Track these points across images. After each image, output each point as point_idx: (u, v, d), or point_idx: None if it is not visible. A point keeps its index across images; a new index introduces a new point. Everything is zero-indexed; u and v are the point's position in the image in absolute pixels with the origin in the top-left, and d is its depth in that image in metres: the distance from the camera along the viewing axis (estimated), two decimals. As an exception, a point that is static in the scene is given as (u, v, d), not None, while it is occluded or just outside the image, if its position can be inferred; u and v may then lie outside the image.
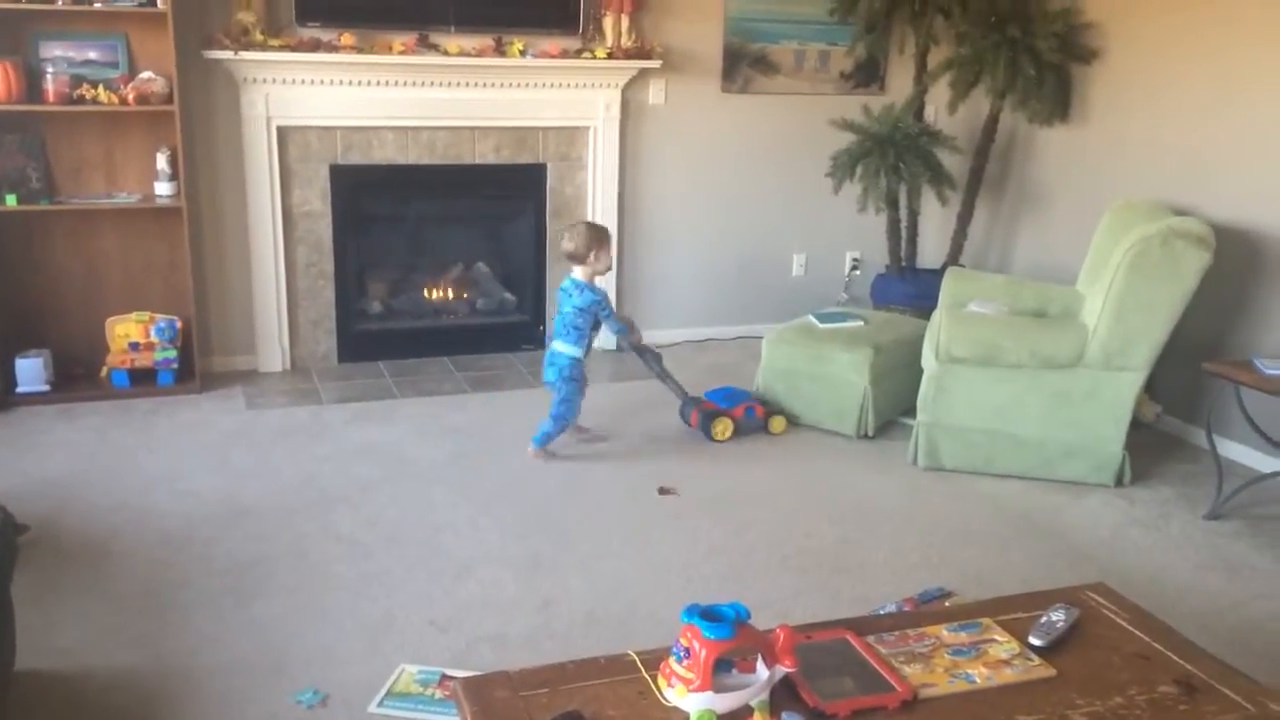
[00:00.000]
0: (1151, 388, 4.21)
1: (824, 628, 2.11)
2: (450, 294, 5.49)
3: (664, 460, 4.03)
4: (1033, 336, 3.84)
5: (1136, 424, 3.95)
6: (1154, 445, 4.26)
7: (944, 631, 2.08)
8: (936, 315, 4.07)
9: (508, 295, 5.52)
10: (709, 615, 1.89)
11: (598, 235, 3.99)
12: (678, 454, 4.11)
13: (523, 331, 5.39)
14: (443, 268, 5.51)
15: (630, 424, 4.42)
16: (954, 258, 5.27)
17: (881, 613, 2.81)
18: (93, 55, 4.37)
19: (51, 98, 4.22)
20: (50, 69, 4.24)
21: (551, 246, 5.28)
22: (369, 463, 3.91)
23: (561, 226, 5.19)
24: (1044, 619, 2.10)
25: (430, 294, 5.46)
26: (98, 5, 4.22)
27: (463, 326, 5.40)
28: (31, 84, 4.22)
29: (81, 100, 4.26)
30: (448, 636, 2.83)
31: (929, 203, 5.20)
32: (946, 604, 2.92)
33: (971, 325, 3.94)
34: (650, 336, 5.46)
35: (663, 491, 3.75)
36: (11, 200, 4.24)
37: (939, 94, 5.19)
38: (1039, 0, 4.95)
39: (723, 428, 4.21)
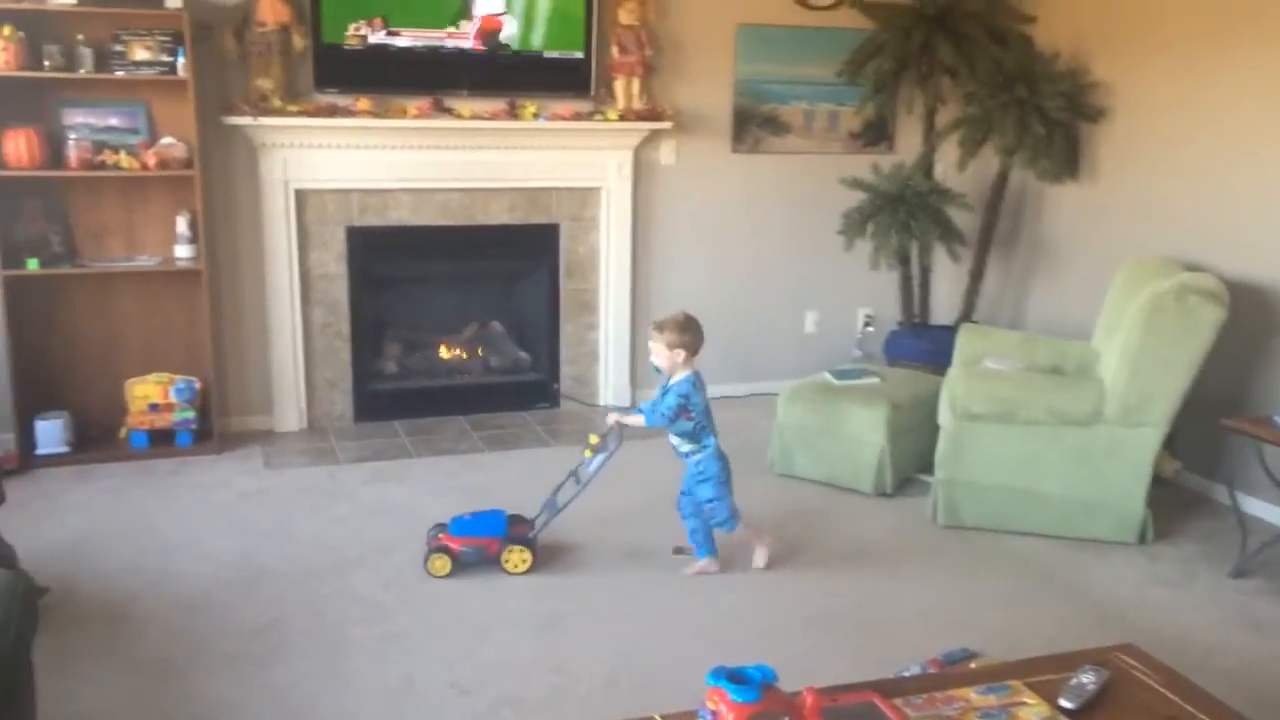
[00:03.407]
0: (1171, 444, 4.19)
1: (850, 690, 2.09)
2: (465, 353, 5.51)
3: (676, 521, 3.99)
4: (1050, 393, 3.84)
5: (1157, 480, 3.92)
6: (1175, 502, 4.23)
7: (973, 694, 2.06)
8: (952, 372, 4.07)
9: (522, 354, 5.55)
10: (735, 678, 1.88)
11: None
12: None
13: (537, 390, 5.41)
14: (457, 327, 5.54)
15: (642, 485, 4.40)
16: (967, 314, 5.29)
17: (906, 674, 2.78)
18: (114, 121, 4.45)
19: (73, 164, 4.28)
20: (72, 135, 4.31)
21: (567, 305, 5.32)
22: (386, 523, 3.90)
23: (575, 286, 5.26)
24: (1074, 681, 2.08)
25: (445, 353, 5.49)
26: (119, 74, 4.30)
27: (477, 385, 5.42)
28: (54, 150, 4.29)
29: (103, 166, 4.33)
30: (469, 700, 2.80)
31: (940, 259, 5.23)
32: (972, 665, 2.88)
33: (988, 382, 3.94)
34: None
35: (678, 552, 3.73)
36: (33, 264, 4.29)
37: (948, 152, 5.24)
38: (1045, 60, 5.01)
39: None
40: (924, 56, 4.98)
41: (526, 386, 5.43)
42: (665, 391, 3.51)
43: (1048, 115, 4.79)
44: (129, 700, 2.77)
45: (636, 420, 3.54)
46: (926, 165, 5.25)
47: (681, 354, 3.46)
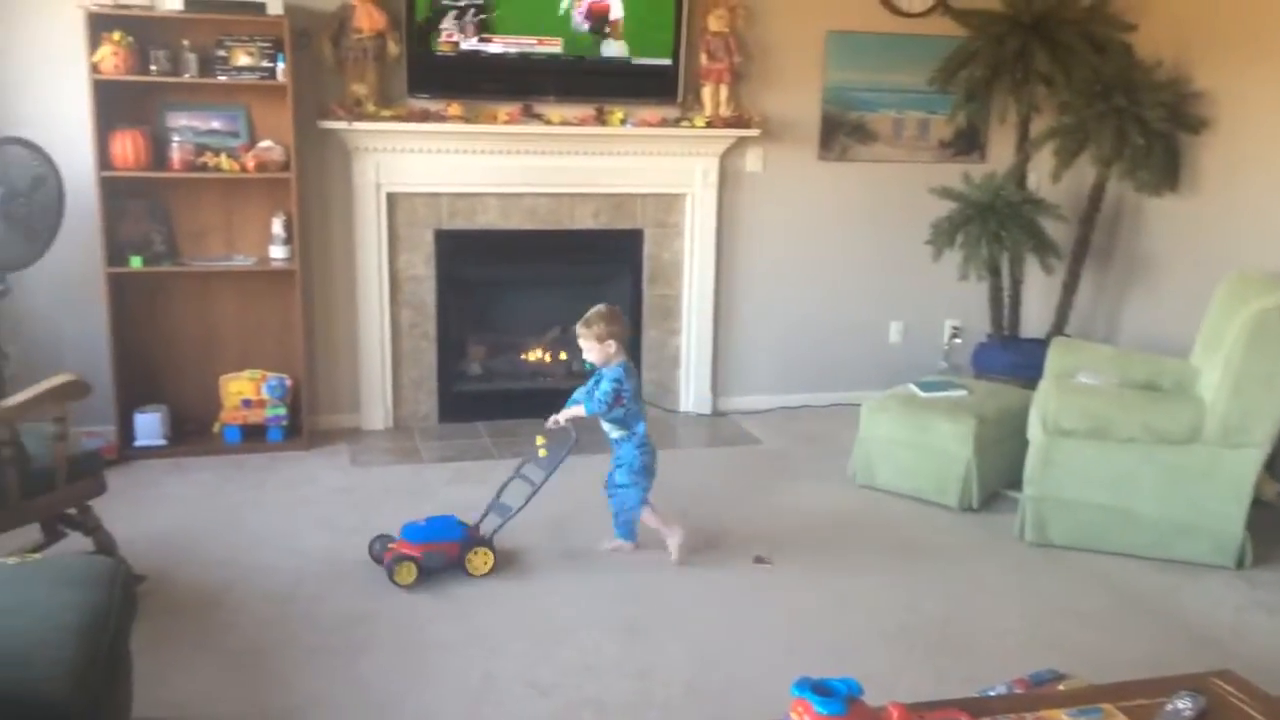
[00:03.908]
0: (1272, 466, 4.05)
1: (936, 707, 2.06)
2: (547, 357, 5.55)
3: (757, 529, 3.99)
4: (1146, 410, 3.74)
5: (1257, 503, 3.79)
6: (1276, 525, 4.08)
7: (1064, 716, 2.02)
8: (1043, 386, 3.99)
9: (604, 359, 5.56)
10: (820, 689, 1.87)
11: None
12: (770, 523, 4.06)
13: (618, 395, 5.42)
14: (540, 331, 5.58)
15: (722, 492, 4.40)
16: (1059, 327, 5.17)
17: (991, 694, 2.72)
18: (216, 125, 4.58)
19: (177, 165, 4.42)
20: (176, 138, 4.45)
21: (649, 311, 5.33)
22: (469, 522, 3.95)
23: (658, 292, 5.27)
24: (1169, 707, 2.02)
25: (528, 356, 5.53)
26: (222, 78, 4.42)
27: (559, 389, 5.40)
28: (158, 152, 4.43)
29: (204, 167, 4.46)
30: (548, 700, 2.82)
31: (1032, 271, 5.12)
32: (1061, 687, 2.80)
33: (1081, 397, 3.85)
34: (744, 403, 5.49)
35: (758, 561, 3.71)
36: (137, 262, 4.44)
37: (1042, 162, 5.14)
38: (1146, 69, 4.89)
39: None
40: (1018, 64, 4.90)
41: (608, 391, 5.44)
42: (599, 379, 3.66)
43: (1148, 125, 4.66)
44: (221, 688, 2.85)
45: (577, 411, 3.67)
46: (1019, 175, 5.16)
47: (613, 345, 3.62)
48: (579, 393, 3.77)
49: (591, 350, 3.65)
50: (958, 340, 5.65)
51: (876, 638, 3.20)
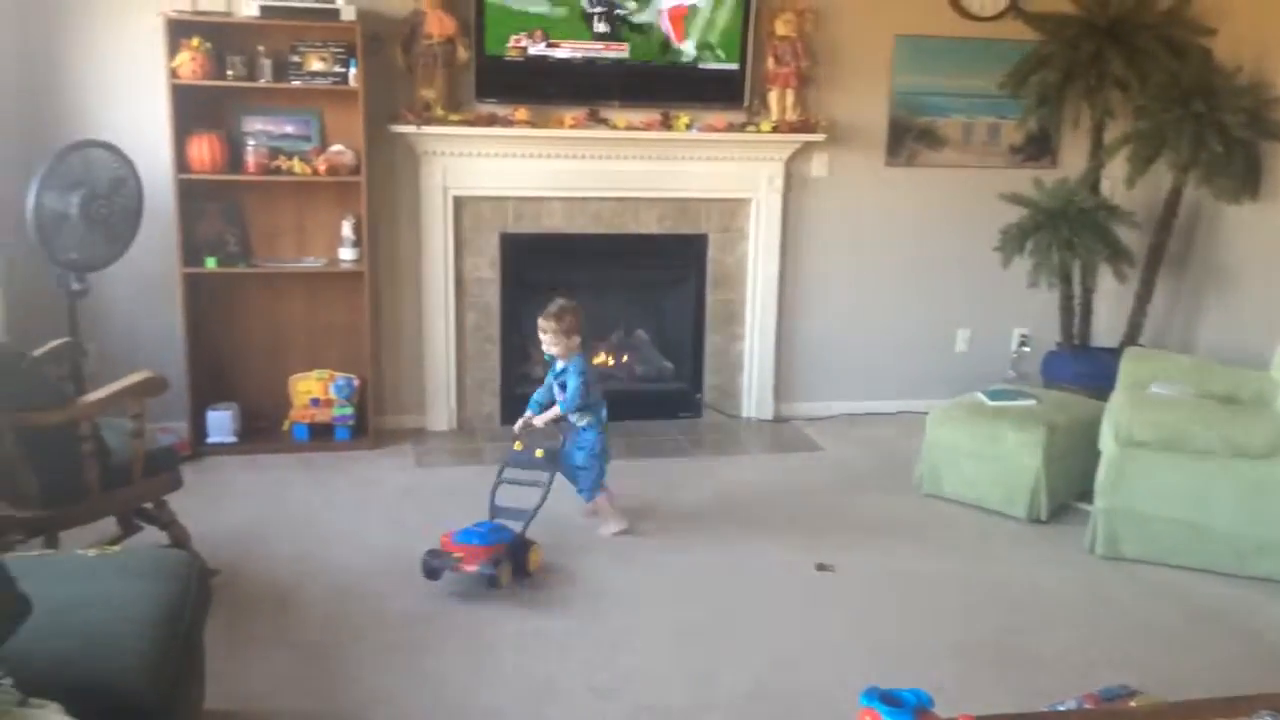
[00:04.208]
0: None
1: (1007, 720, 2.03)
2: (610, 361, 5.57)
3: (820, 536, 3.96)
4: (1225, 423, 3.64)
5: (1339, 519, 3.68)
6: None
7: (1139, 733, 1.97)
8: (1116, 396, 3.91)
9: (666, 363, 5.57)
10: (889, 699, 1.85)
11: None
12: (833, 530, 4.04)
13: (680, 400, 5.42)
14: (603, 334, 5.59)
15: (784, 499, 4.37)
16: (1132, 337, 5.06)
17: (1061, 709, 2.67)
18: (289, 129, 4.66)
19: (251, 168, 4.51)
20: (251, 142, 4.54)
21: (712, 316, 5.32)
22: (531, 525, 3.96)
23: (722, 297, 5.26)
24: (1250, 726, 1.97)
25: (590, 360, 5.54)
26: (296, 83, 4.50)
27: (621, 393, 5.42)
28: (233, 155, 4.53)
29: (277, 171, 4.54)
30: (609, 704, 2.83)
31: (1104, 279, 5.03)
32: (1132, 703, 2.75)
33: (1155, 408, 3.77)
34: (806, 409, 5.46)
35: (820, 568, 3.69)
36: (211, 263, 4.53)
37: (1116, 168, 5.04)
38: (1226, 74, 4.78)
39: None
40: (1093, 69, 4.81)
41: (670, 396, 5.45)
42: (560, 374, 3.87)
43: (1227, 131, 4.55)
44: (291, 682, 2.89)
45: (555, 414, 3.88)
46: (1092, 181, 5.06)
47: (577, 338, 3.85)
48: (540, 394, 3.99)
49: (557, 343, 3.84)
50: (1026, 349, 5.56)
51: (943, 649, 3.16)
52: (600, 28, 4.78)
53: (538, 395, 3.99)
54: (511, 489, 3.76)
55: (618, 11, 4.76)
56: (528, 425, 3.91)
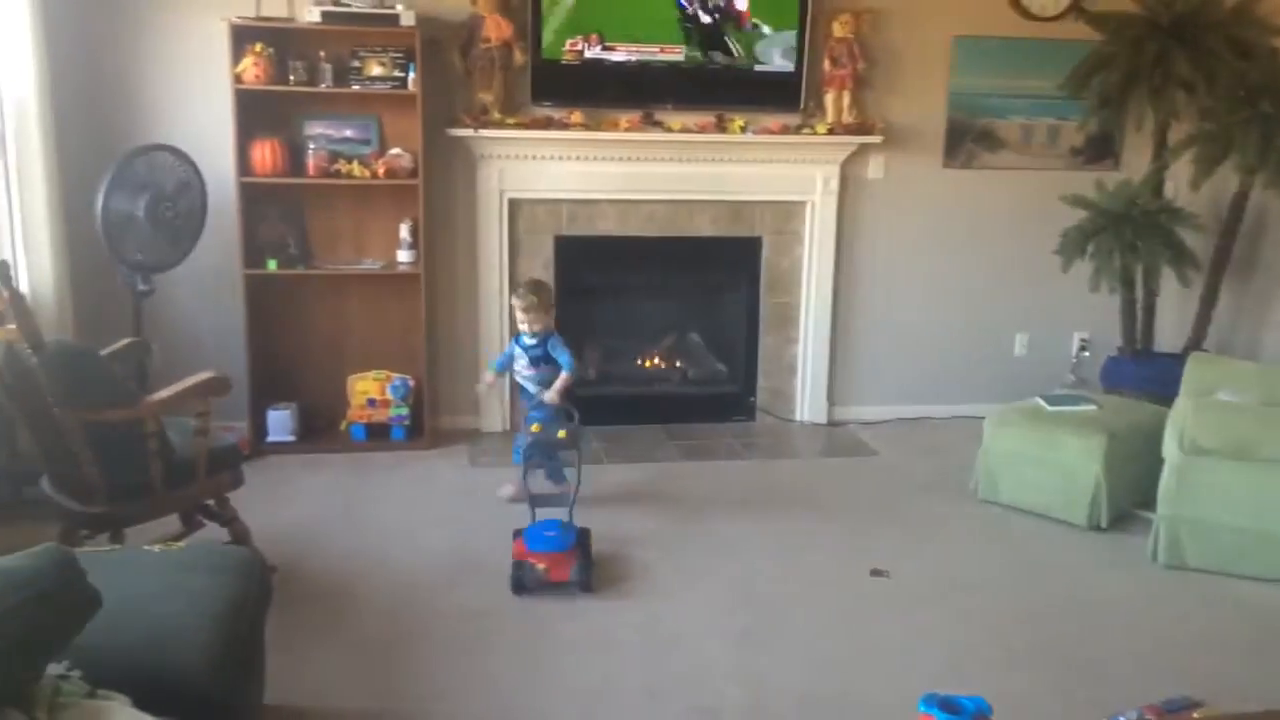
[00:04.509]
0: None
1: (1068, 730, 1.99)
2: (663, 363, 5.58)
3: (874, 541, 3.93)
4: (1292, 429, 3.56)
5: None
6: None
7: (1203, 745, 1.93)
8: (1180, 402, 3.83)
9: (719, 366, 5.56)
10: (948, 706, 1.83)
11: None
12: (888, 535, 4.00)
13: (733, 403, 5.41)
14: (656, 337, 5.61)
15: (838, 503, 4.35)
16: (1196, 342, 4.96)
17: None
18: (349, 133, 4.73)
19: (311, 172, 4.59)
20: (312, 146, 4.62)
21: (766, 319, 5.30)
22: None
23: (776, 300, 5.24)
24: (1321, 741, 1.92)
25: (643, 362, 5.56)
26: (356, 88, 4.57)
27: (674, 395, 5.47)
28: (294, 159, 4.60)
29: (337, 174, 4.61)
30: (662, 706, 2.83)
31: (1167, 283, 4.93)
32: (1195, 715, 2.69)
33: (1221, 415, 3.69)
34: (861, 413, 5.42)
35: (875, 573, 3.66)
36: (272, 265, 4.62)
37: (1180, 170, 4.94)
38: (1296, 74, 4.66)
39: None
40: (1157, 69, 4.71)
41: (722, 398, 5.44)
42: (534, 347, 4.13)
43: (1296, 133, 4.45)
44: (350, 678, 2.93)
45: (567, 381, 4.13)
46: (1156, 183, 4.97)
47: (553, 311, 4.18)
48: (500, 361, 4.34)
49: (539, 320, 4.10)
50: (1086, 354, 5.47)
51: (1000, 656, 3.12)
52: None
53: (500, 362, 4.33)
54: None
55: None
56: (551, 400, 4.09)
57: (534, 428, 3.85)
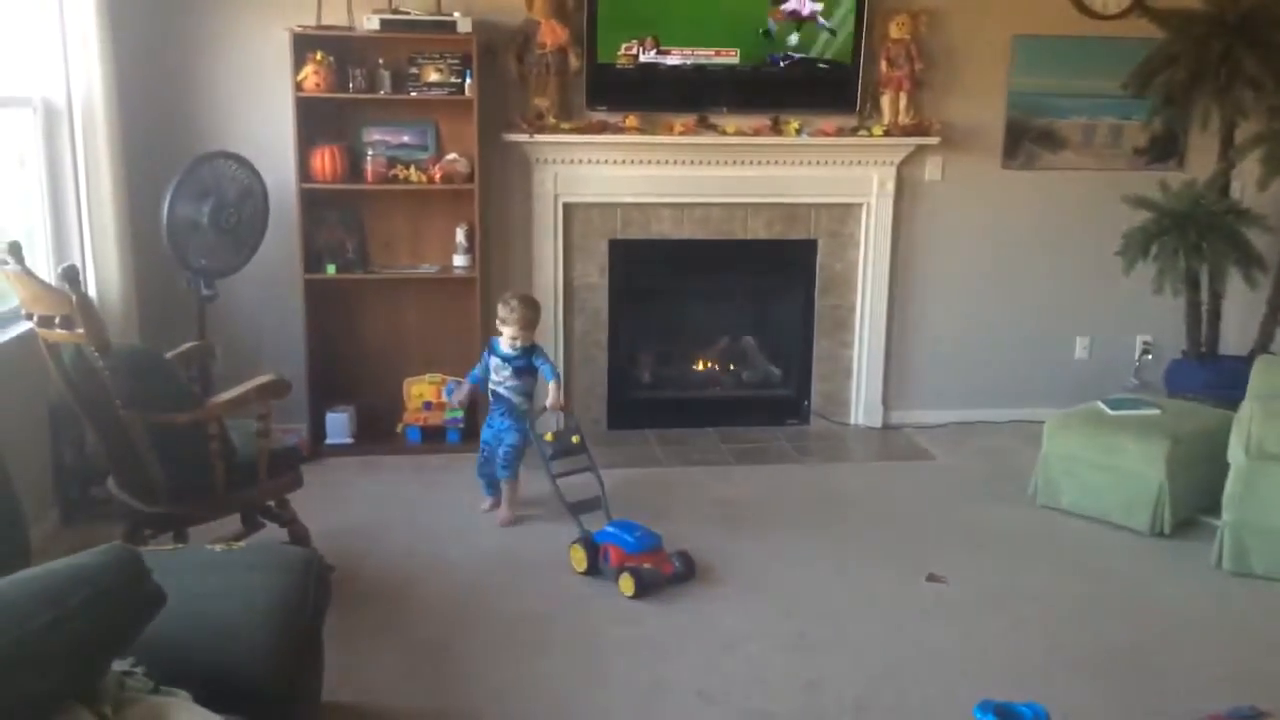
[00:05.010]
0: None
1: (1128, 740, 1.96)
2: (717, 366, 5.57)
3: (931, 546, 3.89)
4: (1364, 435, 3.46)
5: None
6: None
7: (1271, 758, 1.88)
8: (1246, 406, 3.74)
9: (774, 369, 5.54)
10: (1004, 713, 1.81)
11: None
12: (945, 540, 3.96)
13: (787, 406, 5.38)
14: (710, 340, 5.60)
15: (894, 507, 4.31)
16: (1264, 345, 4.84)
17: (1186, 730, 2.58)
18: (406, 139, 4.79)
19: (370, 178, 4.64)
20: (370, 152, 4.68)
21: (821, 322, 5.27)
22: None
23: (830, 302, 5.21)
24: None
25: (698, 366, 5.56)
26: (413, 94, 4.63)
27: (728, 399, 5.46)
28: (353, 165, 4.67)
29: (395, 180, 4.67)
30: (716, 709, 2.82)
31: (1234, 285, 4.81)
32: (1263, 727, 2.64)
33: (1289, 419, 3.60)
34: (917, 417, 5.36)
35: (931, 579, 3.62)
36: (331, 269, 4.69)
37: (1247, 170, 4.83)
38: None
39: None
40: (1223, 67, 4.61)
41: (777, 402, 5.42)
42: (516, 359, 4.03)
43: (1368, 131, 4.33)
44: (405, 677, 2.97)
45: (558, 387, 4.05)
46: (1222, 183, 4.86)
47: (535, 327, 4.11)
48: (477, 372, 4.17)
49: (526, 334, 4.03)
50: (1149, 357, 5.37)
51: (1059, 664, 3.07)
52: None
53: (477, 373, 4.18)
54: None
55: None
56: (555, 406, 4.05)
57: (548, 436, 3.90)
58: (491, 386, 4.13)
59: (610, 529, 3.62)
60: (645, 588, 3.42)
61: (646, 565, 3.47)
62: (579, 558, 3.61)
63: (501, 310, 4.05)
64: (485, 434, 4.17)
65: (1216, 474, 3.77)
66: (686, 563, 3.55)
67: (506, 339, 4.04)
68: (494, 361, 4.10)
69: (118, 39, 4.08)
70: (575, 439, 3.94)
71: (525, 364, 4.07)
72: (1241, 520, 3.64)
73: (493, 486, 4.17)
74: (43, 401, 3.85)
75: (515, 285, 4.99)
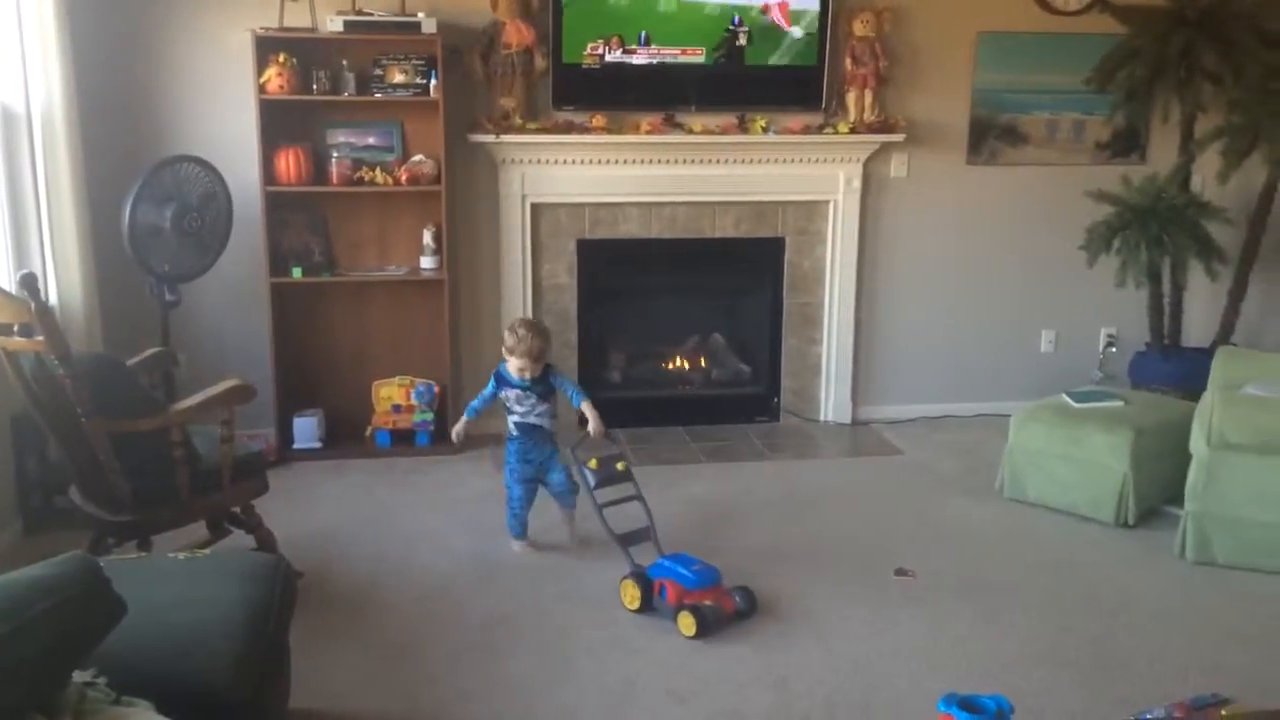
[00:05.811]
0: None
1: (1091, 731, 1.98)
2: (687, 365, 5.58)
3: (899, 540, 3.92)
4: (1322, 424, 3.52)
5: None
6: None
7: (1229, 745, 1.91)
8: (1207, 397, 3.80)
9: (743, 367, 5.56)
10: (968, 706, 1.82)
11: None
12: (913, 534, 3.99)
13: (757, 404, 5.40)
14: (680, 339, 5.61)
15: (862, 503, 4.33)
16: (1225, 336, 4.91)
17: (1148, 718, 2.62)
18: (372, 140, 4.77)
19: (335, 180, 4.62)
20: (335, 154, 4.65)
21: (789, 319, 5.29)
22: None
23: (798, 300, 5.23)
24: (1349, 740, 1.89)
25: (667, 364, 5.57)
26: (378, 95, 4.60)
27: (698, 397, 5.47)
28: (318, 167, 4.64)
29: (360, 181, 4.65)
30: (686, 708, 2.83)
31: (1195, 277, 4.87)
32: (1223, 712, 2.67)
33: (1249, 409, 3.65)
34: (885, 412, 5.39)
35: (899, 573, 3.64)
36: (297, 272, 4.66)
37: (1208, 163, 4.88)
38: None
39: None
40: (1183, 62, 4.67)
41: (747, 400, 5.43)
42: (532, 385, 3.67)
43: (1325, 124, 4.39)
44: (373, 681, 2.95)
45: (593, 411, 3.69)
46: (1183, 177, 4.91)
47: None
48: (479, 403, 3.79)
49: (534, 366, 3.65)
50: (1113, 349, 5.43)
51: (1025, 656, 3.10)
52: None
53: (477, 405, 3.79)
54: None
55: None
56: (600, 434, 3.68)
57: (592, 463, 3.58)
58: (515, 420, 3.74)
59: (665, 562, 3.34)
60: (707, 626, 3.15)
61: (707, 602, 3.20)
62: (632, 594, 3.32)
63: (509, 338, 3.67)
64: (521, 472, 3.77)
65: (1180, 465, 3.82)
66: (748, 598, 3.28)
67: (514, 369, 3.66)
68: (512, 394, 3.71)
69: (77, 43, 4.04)
70: (620, 465, 3.62)
71: (546, 386, 3.71)
72: (1203, 510, 3.69)
73: (524, 526, 3.84)
74: (4, 411, 3.81)
75: (483, 286, 5.00)
